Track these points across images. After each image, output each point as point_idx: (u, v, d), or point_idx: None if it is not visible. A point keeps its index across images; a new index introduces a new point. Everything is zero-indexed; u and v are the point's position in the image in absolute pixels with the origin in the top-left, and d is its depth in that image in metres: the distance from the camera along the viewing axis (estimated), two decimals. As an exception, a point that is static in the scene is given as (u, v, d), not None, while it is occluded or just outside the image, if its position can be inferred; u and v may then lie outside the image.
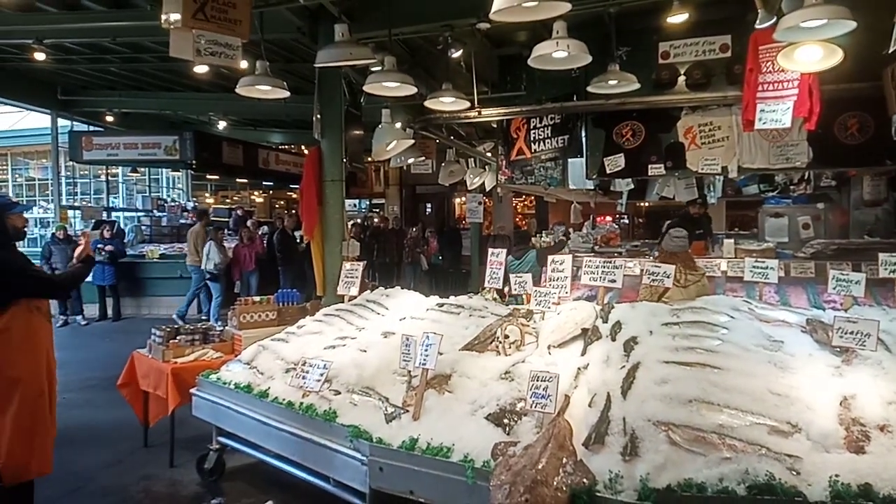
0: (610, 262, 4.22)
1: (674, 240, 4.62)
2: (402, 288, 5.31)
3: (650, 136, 7.23)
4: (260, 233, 12.34)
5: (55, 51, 8.65)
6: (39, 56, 8.08)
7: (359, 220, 16.07)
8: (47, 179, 17.00)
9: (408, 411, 3.27)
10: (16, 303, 3.45)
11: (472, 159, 10.88)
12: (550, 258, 4.44)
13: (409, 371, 3.49)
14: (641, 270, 4.51)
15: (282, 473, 3.81)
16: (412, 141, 7.52)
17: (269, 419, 3.78)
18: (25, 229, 3.74)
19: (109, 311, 11.03)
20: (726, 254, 6.23)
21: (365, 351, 3.99)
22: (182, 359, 4.65)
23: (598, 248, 7.21)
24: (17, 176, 18.99)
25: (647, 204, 10.14)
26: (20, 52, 8.88)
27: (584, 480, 2.49)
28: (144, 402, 4.86)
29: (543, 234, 9.89)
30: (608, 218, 13.22)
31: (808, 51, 3.98)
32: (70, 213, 13.54)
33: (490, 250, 4.97)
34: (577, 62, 4.67)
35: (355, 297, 5.21)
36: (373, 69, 5.50)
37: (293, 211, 16.02)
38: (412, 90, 5.50)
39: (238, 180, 18.51)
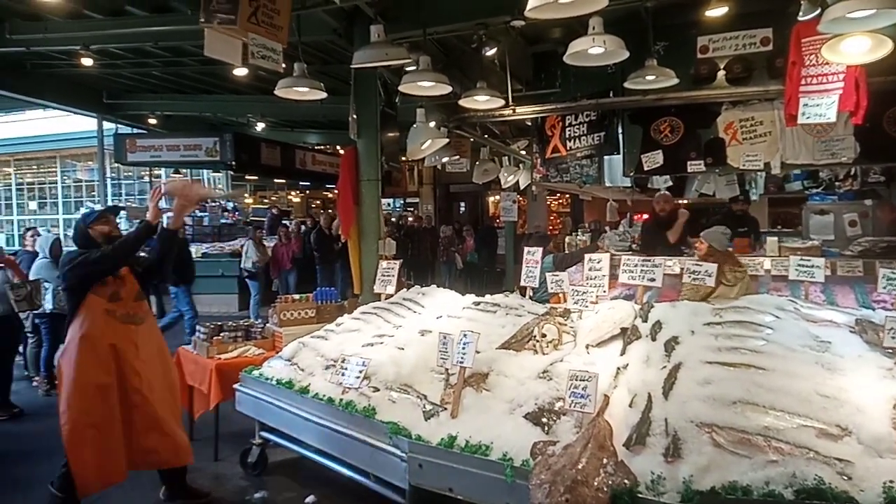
0: (649, 261, 4.17)
1: (715, 235, 4.52)
2: (438, 286, 5.35)
3: (689, 132, 7.11)
4: (301, 231, 12.54)
5: (101, 56, 8.92)
6: (87, 61, 8.35)
7: (393, 219, 16.20)
8: (94, 181, 17.57)
9: (446, 409, 3.29)
10: (87, 306, 3.61)
11: (507, 158, 10.85)
12: (587, 256, 4.41)
13: (447, 369, 3.51)
14: (682, 269, 4.45)
15: (322, 468, 3.88)
16: (447, 140, 7.54)
17: (310, 415, 3.85)
18: (113, 231, 3.85)
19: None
20: (770, 252, 6.08)
21: (402, 349, 4.03)
22: (225, 355, 4.77)
23: (636, 247, 7.10)
24: (65, 178, 19.67)
25: (686, 201, 9.93)
26: (68, 58, 9.20)
27: (626, 481, 2.48)
28: (189, 396, 4.99)
29: (579, 233, 9.80)
30: (646, 216, 13.01)
31: (855, 42, 3.85)
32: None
33: (526, 249, 4.96)
34: (614, 58, 4.62)
35: (392, 296, 5.27)
36: (407, 69, 5.54)
37: (329, 210, 16.25)
38: (447, 89, 5.52)
39: (276, 181, 18.82)
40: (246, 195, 20.15)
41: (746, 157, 6.68)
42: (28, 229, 7.90)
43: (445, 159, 9.10)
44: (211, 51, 4.12)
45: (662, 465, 2.51)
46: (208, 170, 16.85)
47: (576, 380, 2.89)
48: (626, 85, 5.91)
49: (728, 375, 2.82)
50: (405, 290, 5.31)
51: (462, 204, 19.24)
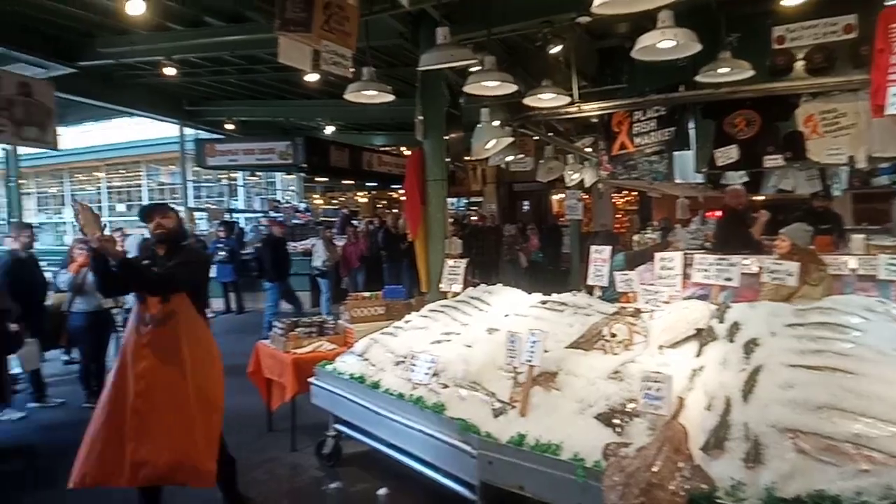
0: (725, 260, 4.04)
1: (797, 232, 4.34)
2: (503, 285, 5.36)
3: (766, 126, 6.81)
4: (368, 230, 12.82)
5: (182, 65, 9.43)
6: (169, 71, 8.86)
7: (455, 219, 16.29)
8: (176, 184, 18.55)
9: (514, 407, 3.31)
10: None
11: (571, 155, 10.72)
12: (659, 255, 4.32)
13: (515, 367, 3.53)
14: (760, 268, 4.30)
15: (394, 462, 3.98)
16: (511, 139, 7.54)
17: (381, 409, 3.96)
18: (158, 228, 3.63)
19: (233, 305, 11.91)
20: (856, 250, 5.76)
21: (470, 346, 4.07)
22: (301, 349, 4.96)
23: (709, 245, 6.88)
24: (150, 181, 20.88)
25: (762, 198, 9.51)
26: (152, 68, 9.77)
27: (703, 486, 2.43)
28: (268, 389, 5.22)
29: (648, 231, 9.56)
30: (717, 213, 12.55)
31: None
32: (196, 214, 14.75)
33: (593, 247, 4.91)
34: (685, 51, 4.50)
35: (458, 294, 5.33)
36: (472, 69, 5.59)
37: (394, 210, 16.52)
38: (512, 88, 5.52)
39: (344, 182, 19.31)
40: (316, 196, 20.77)
41: (828, 150, 6.33)
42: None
43: (510, 158, 9.08)
44: (284, 58, 4.28)
45: (742, 470, 2.44)
46: (281, 172, 17.47)
47: (649, 381, 2.85)
48: (698, 78, 5.72)
49: (813, 379, 2.71)
50: (471, 288, 5.36)
51: (526, 202, 19.11)
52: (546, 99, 6.15)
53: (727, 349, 3.23)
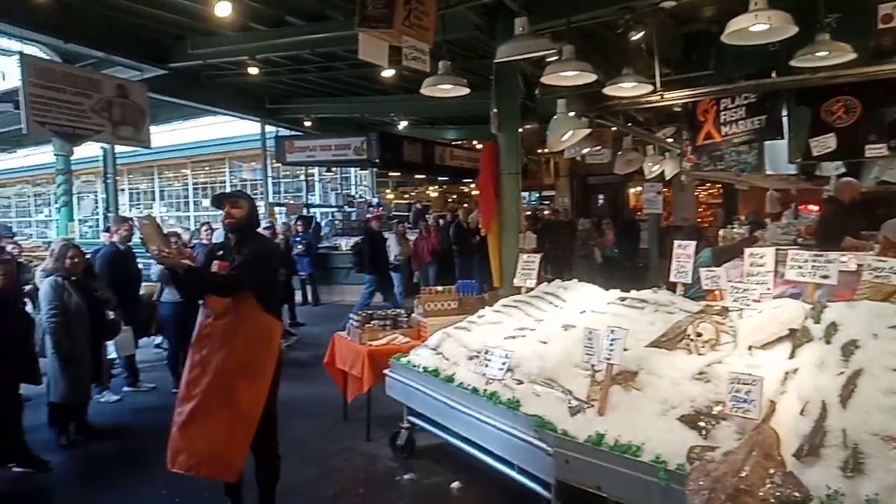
0: (822, 256, 3.77)
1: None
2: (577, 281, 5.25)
3: (868, 113, 6.28)
4: (439, 225, 12.90)
5: (264, 64, 9.80)
6: (253, 70, 9.22)
7: (529, 213, 16.11)
8: (257, 180, 19.33)
9: (593, 406, 3.23)
10: None
11: (651, 146, 10.34)
12: (748, 251, 4.09)
13: (593, 365, 3.44)
14: (858, 266, 3.99)
15: (467, 456, 3.99)
16: (588, 130, 7.36)
17: (455, 403, 3.97)
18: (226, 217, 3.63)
19: (310, 297, 12.31)
20: (972, 247, 5.24)
21: (545, 343, 4.01)
22: (376, 342, 5.05)
23: (803, 241, 6.45)
24: (233, 177, 21.85)
25: (862, 190, 8.82)
26: (236, 68, 10.21)
27: (796, 494, 2.28)
28: (344, 380, 5.35)
29: (736, 225, 9.09)
30: (811, 206, 11.77)
31: None
32: (276, 209, 15.33)
33: (676, 242, 4.71)
34: (779, 35, 4.23)
35: (532, 289, 5.26)
36: (549, 60, 5.48)
37: (465, 204, 16.55)
38: (591, 77, 5.38)
39: (416, 176, 19.51)
40: (388, 190, 21.12)
41: (941, 138, 5.79)
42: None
43: (586, 150, 8.87)
44: (364, 54, 4.34)
45: (840, 479, 2.28)
46: (356, 167, 17.85)
47: (738, 383, 2.71)
48: (793, 63, 5.34)
49: (923, 386, 2.49)
50: (545, 284, 5.27)
51: (600, 196, 18.65)
52: (627, 87, 5.96)
53: (824, 351, 3.01)
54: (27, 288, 6.07)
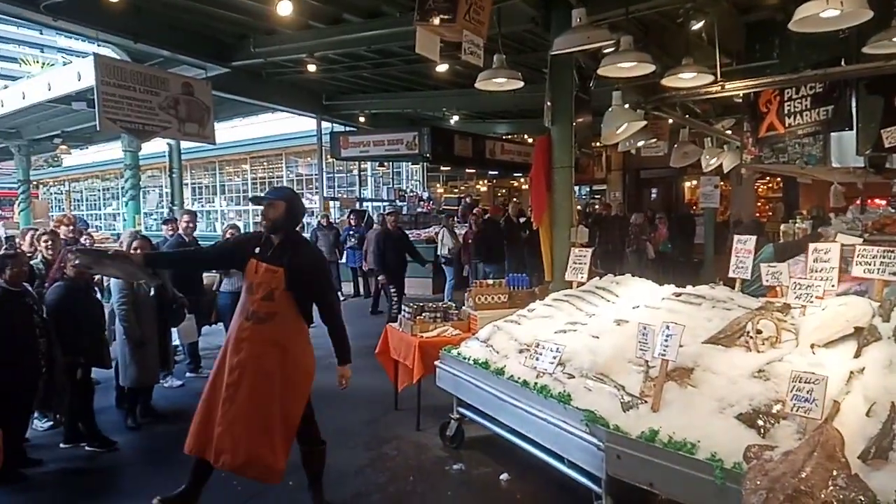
0: (892, 252, 3.60)
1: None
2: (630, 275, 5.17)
3: (946, 101, 5.93)
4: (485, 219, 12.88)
5: (321, 62, 10.00)
6: (311, 67, 9.43)
7: (579, 207, 15.89)
8: (312, 175, 19.76)
9: (646, 402, 3.19)
10: None
11: (709, 139, 10.04)
12: (813, 246, 3.94)
13: (647, 361, 3.39)
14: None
15: (515, 448, 4.00)
16: (644, 122, 7.21)
17: (505, 395, 3.98)
18: (264, 220, 3.69)
19: (362, 289, 12.54)
20: None
21: (597, 337, 3.98)
22: (427, 333, 5.11)
23: (870, 236, 6.13)
24: (289, 172, 22.43)
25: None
26: (294, 65, 10.47)
27: (861, 497, 2.20)
28: (395, 370, 5.45)
29: (798, 220, 8.71)
30: (878, 200, 11.16)
31: None
32: (331, 203, 15.66)
33: (736, 237, 4.58)
34: (852, 20, 4.04)
35: (584, 284, 5.21)
36: (605, 51, 5.40)
37: (515, 199, 16.47)
38: (650, 68, 5.28)
39: (466, 170, 19.53)
40: (438, 185, 21.22)
41: None
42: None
43: (641, 143, 8.68)
44: (421, 48, 4.37)
45: (911, 485, 2.19)
46: (408, 162, 18.03)
47: (799, 381, 2.63)
48: (866, 50, 5.10)
49: None
50: (597, 278, 5.22)
51: (654, 190, 18.22)
52: (686, 78, 5.81)
53: (892, 351, 2.89)
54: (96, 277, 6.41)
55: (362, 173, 18.25)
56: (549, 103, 6.39)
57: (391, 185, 19.83)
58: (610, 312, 4.39)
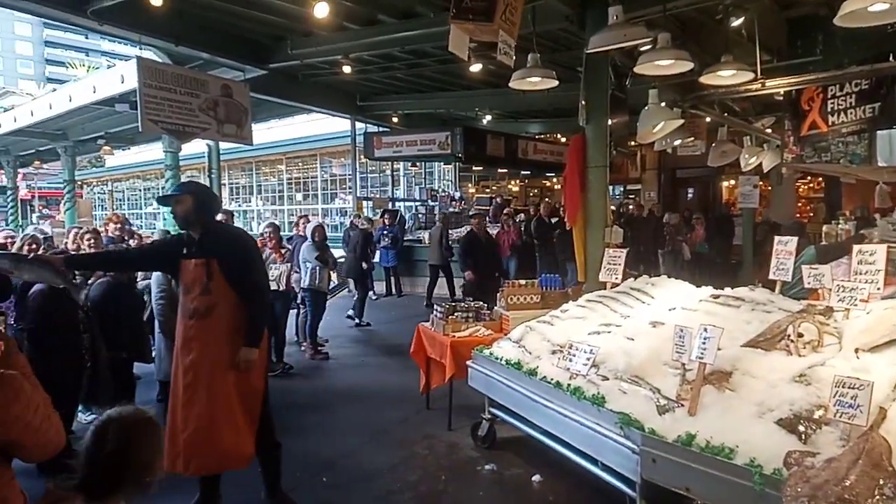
0: (943, 255, 3.46)
1: None
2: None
3: None
4: (517, 220, 12.84)
5: (355, 63, 10.10)
6: (346, 69, 9.53)
7: (612, 207, 15.69)
8: (346, 175, 19.95)
9: (682, 405, 3.13)
10: None
11: (748, 137, 9.81)
12: (857, 248, 3.81)
13: (684, 364, 3.33)
14: None
15: (548, 449, 3.98)
16: (681, 121, 7.09)
17: (538, 396, 3.96)
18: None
19: (393, 289, 12.62)
20: None
21: (632, 339, 3.92)
22: (459, 333, 5.12)
23: (920, 239, 5.90)
24: (323, 172, 22.73)
25: None
26: (329, 67, 10.58)
27: (910, 508, 2.13)
28: (427, 369, 5.47)
29: (841, 221, 8.44)
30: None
31: None
32: (364, 203, 15.80)
33: (777, 238, 4.46)
34: (903, 13, 3.89)
35: (618, 285, 5.15)
36: (642, 49, 5.32)
37: (547, 199, 16.34)
38: (687, 66, 5.19)
39: (498, 170, 19.47)
40: (470, 184, 21.21)
41: None
42: (301, 216, 9.31)
43: (678, 142, 8.55)
44: (454, 47, 4.37)
45: (962, 497, 2.10)
46: (439, 162, 18.07)
47: (843, 387, 2.54)
48: (916, 44, 4.93)
49: None
50: (632, 279, 5.15)
51: (690, 190, 17.88)
52: (725, 76, 5.70)
53: (945, 358, 2.78)
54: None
55: (395, 173, 18.36)
56: (583, 102, 6.33)
57: (423, 185, 19.89)
58: (645, 314, 4.33)
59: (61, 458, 4.50)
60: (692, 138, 9.28)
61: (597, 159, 6.32)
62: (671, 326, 3.59)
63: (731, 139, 9.20)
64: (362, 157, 15.52)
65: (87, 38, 64.63)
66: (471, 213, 10.66)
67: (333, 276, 8.11)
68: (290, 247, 8.00)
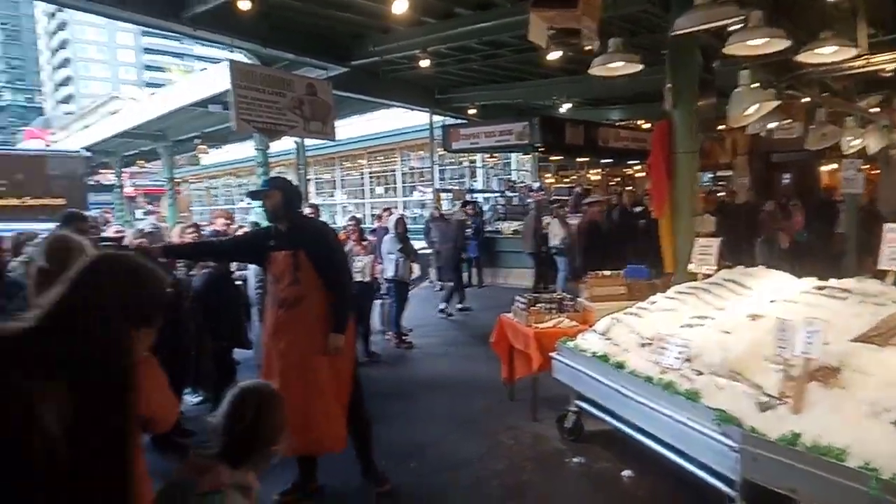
0: None
1: None
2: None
3: None
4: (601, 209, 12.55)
5: (433, 56, 10.18)
6: (424, 63, 9.63)
7: (702, 194, 15.00)
8: (424, 168, 20.17)
9: (785, 402, 2.98)
10: None
11: (851, 118, 9.09)
12: None
13: (786, 359, 3.17)
14: None
15: (637, 444, 3.89)
16: (776, 102, 6.67)
17: (626, 390, 3.88)
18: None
19: (474, 280, 12.69)
20: None
21: (728, 332, 3.77)
22: (542, 324, 5.09)
23: None
24: (403, 166, 23.12)
25: None
26: (408, 62, 10.72)
27: None
28: (510, 360, 5.48)
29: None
30: None
31: None
32: (442, 195, 15.95)
33: (887, 226, 4.14)
34: None
35: (710, 276, 4.95)
36: (732, 28, 5.05)
37: (629, 187, 15.86)
38: (782, 44, 4.86)
39: (578, 159, 19.08)
40: (548, 175, 20.91)
41: None
42: (385, 209, 9.52)
43: (773, 124, 8.04)
44: (533, 35, 4.32)
45: None
46: (517, 152, 17.93)
47: (974, 387, 2.34)
48: None
49: None
50: (725, 270, 4.94)
51: (786, 175, 16.82)
52: (825, 53, 5.31)
53: None
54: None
55: (472, 165, 18.41)
56: (668, 85, 6.09)
57: (501, 176, 19.81)
58: (742, 306, 4.15)
59: (172, 435, 4.87)
60: (789, 120, 8.68)
61: (685, 145, 6.07)
62: (771, 319, 3.44)
63: (831, 120, 8.57)
64: (440, 149, 15.64)
65: (181, 43, 68.66)
66: (587, 200, 10.36)
67: (415, 267, 8.24)
68: (372, 239, 8.21)
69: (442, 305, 10.10)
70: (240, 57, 9.69)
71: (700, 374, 3.48)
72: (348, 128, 19.31)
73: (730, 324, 3.87)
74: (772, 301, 4.01)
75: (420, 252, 9.87)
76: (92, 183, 23.33)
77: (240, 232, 6.71)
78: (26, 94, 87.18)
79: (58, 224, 4.70)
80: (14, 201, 13.88)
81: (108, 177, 27.68)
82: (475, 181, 19.99)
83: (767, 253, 11.58)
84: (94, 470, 1.26)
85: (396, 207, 20.98)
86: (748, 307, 4.06)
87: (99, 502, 1.29)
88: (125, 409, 1.33)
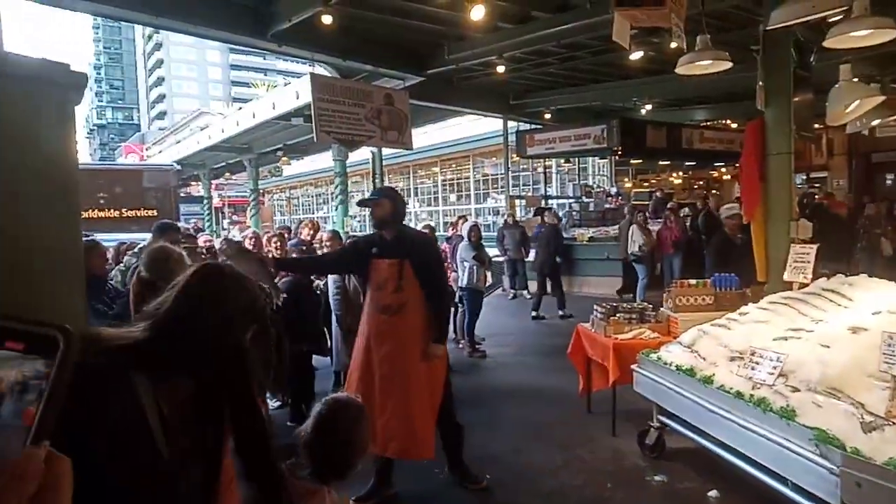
0: None
1: None
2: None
3: None
4: (682, 215, 12.04)
5: (509, 62, 10.15)
6: (500, 69, 9.62)
7: (797, 198, 14.11)
8: (498, 174, 20.13)
9: (892, 423, 2.73)
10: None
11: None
12: None
13: (894, 376, 2.90)
14: None
15: (724, 463, 3.67)
16: (881, 98, 6.20)
17: (714, 406, 3.67)
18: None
19: (548, 288, 12.47)
20: None
21: (827, 346, 3.49)
22: (622, 335, 4.91)
23: None
24: (476, 173, 23.17)
25: None
26: (483, 68, 10.75)
27: None
28: (587, 371, 5.32)
29: None
30: None
31: None
32: (516, 202, 15.84)
33: None
34: None
35: (807, 285, 4.63)
36: (832, 20, 4.72)
37: (714, 191, 15.15)
38: (891, 35, 4.50)
39: (659, 163, 18.48)
40: (626, 179, 20.35)
41: None
42: (460, 217, 9.55)
43: (877, 122, 7.48)
44: (617, 35, 4.20)
45: None
46: (594, 157, 17.58)
47: None
48: None
49: None
50: (823, 279, 4.60)
51: (889, 176, 15.59)
52: (939, 43, 4.86)
53: None
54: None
55: (547, 170, 18.18)
56: (761, 83, 5.76)
57: (577, 182, 19.46)
58: (842, 318, 3.83)
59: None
60: (894, 117, 8.05)
61: (779, 146, 5.71)
62: (876, 333, 3.18)
63: (944, 115, 7.85)
64: (514, 155, 15.55)
65: (265, 59, 72.14)
66: (726, 214, 9.80)
67: (489, 275, 8.22)
68: (446, 247, 8.25)
69: (534, 313, 10.14)
70: (320, 70, 10.02)
71: (796, 390, 3.24)
72: (422, 136, 19.59)
73: (829, 337, 3.59)
74: (874, 313, 3.69)
75: (493, 259, 9.84)
76: (183, 195, 24.83)
77: (325, 240, 6.87)
78: (125, 112, 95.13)
79: (152, 234, 4.98)
80: (114, 213, 14.91)
81: (197, 188, 29.37)
82: (550, 187, 19.73)
83: (868, 260, 10.75)
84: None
85: (469, 215, 21.07)
86: (849, 319, 3.75)
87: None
88: (250, 407, 1.38)
